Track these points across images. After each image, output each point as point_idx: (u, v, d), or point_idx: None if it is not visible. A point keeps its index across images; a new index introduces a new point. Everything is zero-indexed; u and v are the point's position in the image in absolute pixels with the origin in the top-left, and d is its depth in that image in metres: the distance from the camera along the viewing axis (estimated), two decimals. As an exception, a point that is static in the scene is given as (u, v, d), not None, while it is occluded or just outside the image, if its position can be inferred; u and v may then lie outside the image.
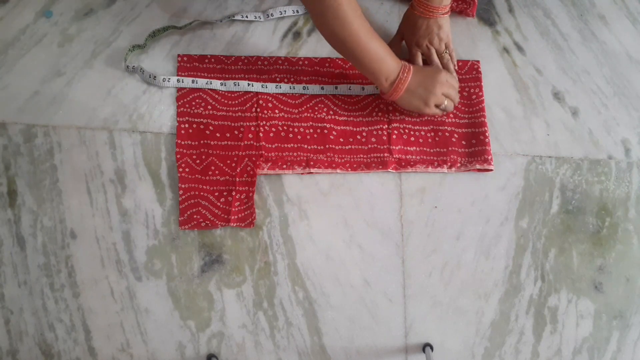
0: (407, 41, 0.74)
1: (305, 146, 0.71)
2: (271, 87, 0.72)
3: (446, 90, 0.69)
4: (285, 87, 0.72)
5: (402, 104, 0.69)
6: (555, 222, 0.73)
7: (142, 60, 0.73)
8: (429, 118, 0.73)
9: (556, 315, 0.70)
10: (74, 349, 0.64)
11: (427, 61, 0.74)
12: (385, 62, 0.64)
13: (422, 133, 0.73)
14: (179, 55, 0.73)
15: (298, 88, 0.73)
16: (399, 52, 0.76)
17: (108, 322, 0.65)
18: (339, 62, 0.75)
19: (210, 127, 0.70)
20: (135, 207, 0.68)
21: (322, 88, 0.73)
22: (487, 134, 0.73)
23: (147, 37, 0.72)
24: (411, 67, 0.66)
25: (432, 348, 0.67)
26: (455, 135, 0.73)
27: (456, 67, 0.75)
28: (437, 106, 0.69)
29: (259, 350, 0.66)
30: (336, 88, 0.73)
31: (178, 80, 0.71)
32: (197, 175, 0.68)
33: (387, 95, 0.68)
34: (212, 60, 0.74)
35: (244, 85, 0.72)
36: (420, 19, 0.70)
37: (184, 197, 0.67)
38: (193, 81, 0.71)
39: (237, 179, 0.69)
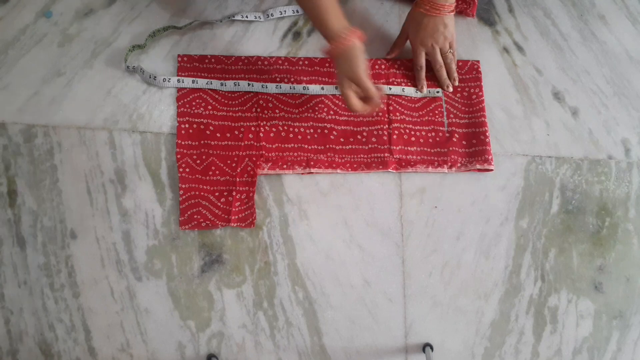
0: (412, 40, 0.74)
1: (306, 146, 0.71)
2: (271, 87, 0.72)
3: (357, 84, 0.62)
4: (285, 87, 0.72)
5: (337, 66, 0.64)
6: (555, 222, 0.73)
7: (142, 60, 0.73)
8: (429, 118, 0.73)
9: (556, 315, 0.70)
10: (74, 349, 0.64)
11: (430, 61, 0.74)
12: (331, 17, 0.60)
13: (423, 133, 0.73)
14: (179, 56, 0.73)
15: (298, 88, 0.73)
16: (399, 51, 0.76)
17: (108, 322, 0.65)
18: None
19: (211, 127, 0.70)
20: (135, 207, 0.68)
21: (323, 88, 0.73)
22: (487, 133, 0.73)
23: (147, 37, 0.72)
24: (358, 38, 0.61)
25: (432, 348, 0.67)
26: (456, 135, 0.73)
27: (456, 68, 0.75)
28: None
29: (259, 350, 0.66)
30: (336, 88, 0.73)
31: (178, 81, 0.71)
32: (197, 176, 0.68)
33: (325, 51, 0.63)
34: (212, 60, 0.73)
35: (244, 85, 0.72)
36: (426, 17, 0.70)
37: (184, 197, 0.67)
38: (193, 81, 0.71)
39: (238, 179, 0.69)
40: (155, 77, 0.71)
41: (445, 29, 0.71)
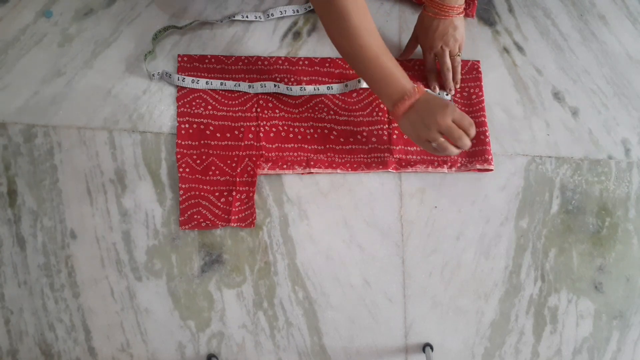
0: (422, 44, 0.73)
1: (306, 146, 0.71)
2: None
3: (446, 129, 0.59)
4: (282, 88, 0.72)
5: (402, 128, 0.64)
6: (555, 222, 0.73)
7: (141, 60, 0.73)
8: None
9: (556, 315, 0.70)
10: (74, 349, 0.64)
11: (438, 63, 0.74)
12: (393, 79, 0.60)
13: (422, 133, 0.73)
14: (179, 56, 0.73)
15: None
16: (410, 55, 0.77)
17: (108, 322, 0.65)
18: (339, 62, 0.75)
19: (211, 127, 0.70)
20: (135, 207, 0.68)
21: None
22: (487, 133, 0.73)
23: (152, 42, 0.72)
24: (420, 92, 0.60)
25: (432, 348, 0.67)
26: (456, 135, 0.73)
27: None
28: (430, 142, 0.61)
29: (259, 350, 0.66)
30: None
31: (192, 81, 0.71)
32: (197, 176, 0.68)
33: (390, 114, 0.64)
34: (212, 60, 0.74)
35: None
36: (435, 20, 0.70)
37: (184, 197, 0.67)
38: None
39: (238, 179, 0.69)
40: (170, 75, 0.71)
41: (455, 31, 0.70)
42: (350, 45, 0.60)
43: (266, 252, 0.68)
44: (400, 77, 0.60)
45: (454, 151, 0.61)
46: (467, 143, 0.60)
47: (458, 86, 0.75)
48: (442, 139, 0.59)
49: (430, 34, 0.71)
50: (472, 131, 0.60)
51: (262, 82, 0.72)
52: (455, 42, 0.71)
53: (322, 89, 0.73)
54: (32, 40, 0.73)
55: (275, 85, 0.72)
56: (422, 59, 0.75)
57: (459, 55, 0.73)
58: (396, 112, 0.61)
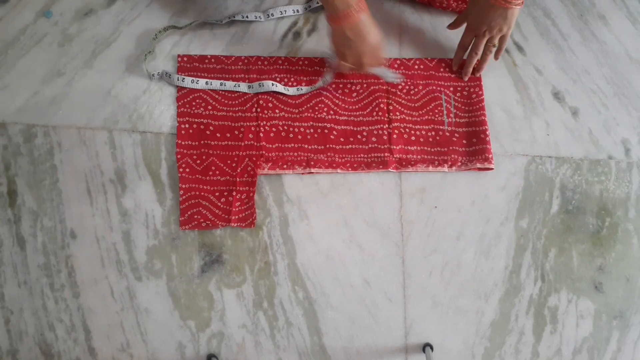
0: (469, 21, 0.72)
1: (306, 146, 0.71)
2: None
3: (363, 63, 0.66)
4: (280, 87, 0.72)
5: (332, 36, 0.66)
6: (555, 222, 0.73)
7: (140, 60, 0.73)
8: (429, 117, 0.73)
9: (556, 315, 0.70)
10: (74, 349, 0.64)
11: (474, 44, 0.73)
12: None
13: (423, 132, 0.73)
14: (179, 56, 0.73)
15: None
16: (455, 28, 0.76)
17: (108, 322, 0.65)
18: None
19: (211, 127, 0.70)
20: (135, 207, 0.68)
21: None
22: (487, 132, 0.73)
23: (152, 41, 0.72)
24: (363, 8, 0.62)
25: (432, 348, 0.67)
26: (456, 134, 0.73)
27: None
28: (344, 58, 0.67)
29: (259, 350, 0.66)
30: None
31: (192, 81, 0.71)
32: (197, 176, 0.68)
33: (328, 19, 0.65)
34: (212, 60, 0.73)
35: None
36: (490, 3, 0.67)
37: (184, 197, 0.67)
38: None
39: (238, 179, 0.69)
40: (170, 75, 0.71)
41: (503, 21, 0.68)
42: None
43: (266, 252, 0.68)
44: None
45: (347, 70, 0.70)
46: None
47: (478, 73, 0.75)
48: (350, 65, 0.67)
49: (479, 15, 0.69)
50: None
51: (260, 82, 0.72)
52: (499, 33, 0.70)
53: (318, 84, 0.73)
54: (32, 40, 0.73)
55: (272, 84, 0.72)
56: (408, 58, 0.76)
57: (495, 46, 0.72)
58: (335, 20, 0.63)
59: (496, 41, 0.72)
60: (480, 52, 0.73)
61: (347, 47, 0.65)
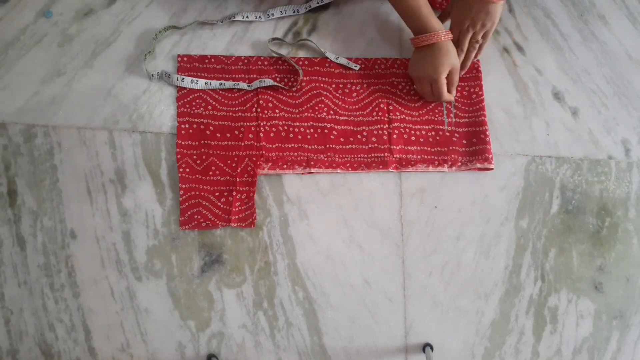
0: (452, 17, 0.72)
1: (306, 146, 0.71)
2: (268, 82, 0.71)
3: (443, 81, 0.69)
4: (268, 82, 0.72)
5: (411, 61, 0.72)
6: (555, 222, 0.73)
7: (140, 60, 0.73)
8: (429, 117, 0.73)
9: (556, 315, 0.70)
10: (74, 349, 0.64)
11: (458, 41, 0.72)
12: (421, 16, 0.67)
13: (423, 132, 0.73)
14: (179, 56, 0.73)
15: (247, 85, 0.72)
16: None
17: (108, 322, 0.65)
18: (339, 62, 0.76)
19: (211, 127, 0.70)
20: (135, 207, 0.68)
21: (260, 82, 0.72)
22: (487, 132, 0.73)
23: (152, 41, 0.72)
24: (446, 38, 0.68)
25: (432, 348, 0.67)
26: (456, 134, 0.73)
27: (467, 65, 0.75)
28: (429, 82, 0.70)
29: (259, 350, 0.66)
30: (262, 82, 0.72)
31: (192, 81, 0.71)
32: (197, 176, 0.68)
33: (411, 41, 0.70)
34: (212, 60, 0.73)
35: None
36: (476, 2, 0.68)
37: (184, 197, 0.67)
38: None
39: (238, 179, 0.69)
40: (170, 75, 0.71)
41: (486, 16, 0.68)
42: None
43: (266, 252, 0.68)
44: (428, 15, 0.68)
45: (447, 97, 0.70)
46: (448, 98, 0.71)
47: (463, 71, 0.74)
48: (443, 81, 0.69)
49: (462, 10, 0.70)
50: (450, 93, 0.71)
51: (260, 80, 0.72)
52: (482, 28, 0.70)
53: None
54: (32, 40, 0.72)
55: (262, 81, 0.71)
56: (408, 58, 0.75)
57: (478, 42, 0.72)
58: (415, 42, 0.69)
59: (480, 37, 0.71)
60: (465, 49, 0.72)
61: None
